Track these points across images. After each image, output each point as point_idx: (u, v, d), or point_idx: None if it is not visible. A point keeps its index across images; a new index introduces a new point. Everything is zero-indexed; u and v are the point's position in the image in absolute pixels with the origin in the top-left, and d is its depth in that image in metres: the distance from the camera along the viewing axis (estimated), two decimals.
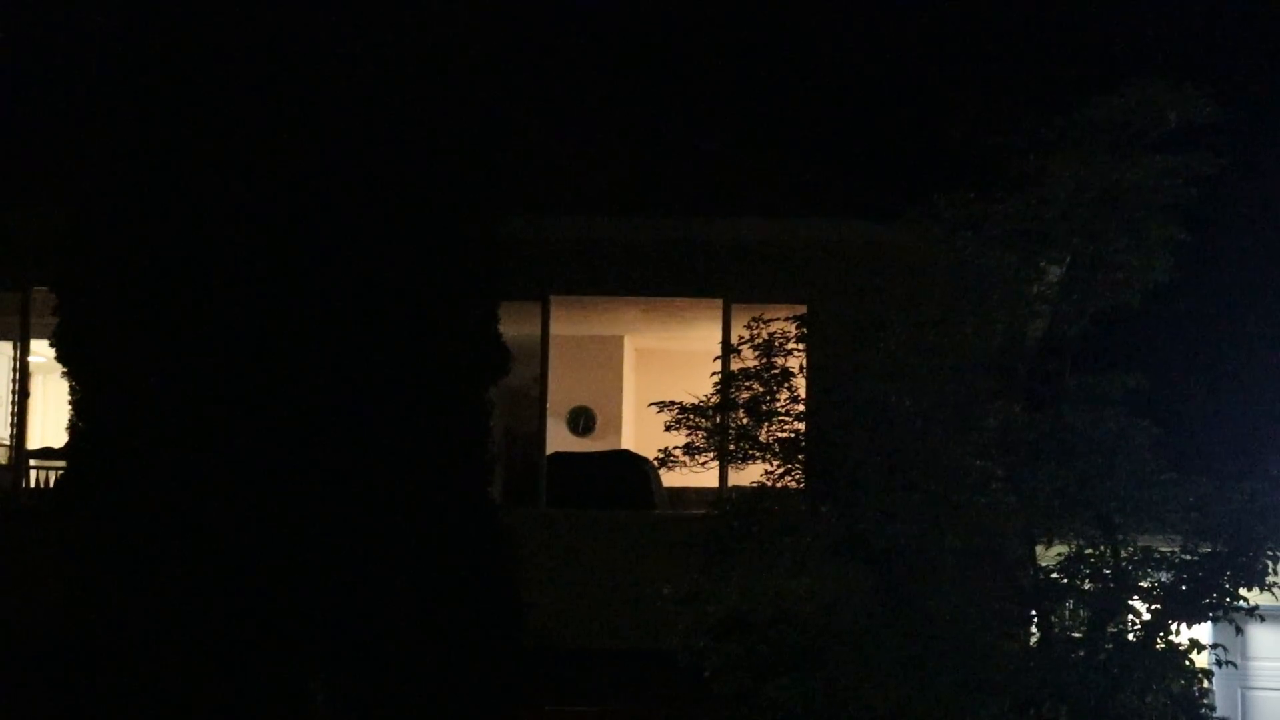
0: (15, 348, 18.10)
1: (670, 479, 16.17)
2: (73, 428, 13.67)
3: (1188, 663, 13.03)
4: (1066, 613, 13.21)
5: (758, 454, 13.67)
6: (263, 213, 13.35)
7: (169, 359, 13.32)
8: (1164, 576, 13.07)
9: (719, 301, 17.86)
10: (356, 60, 13.60)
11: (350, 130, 13.51)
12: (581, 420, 20.63)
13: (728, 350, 14.20)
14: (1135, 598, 13.09)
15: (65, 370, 13.80)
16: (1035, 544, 13.37)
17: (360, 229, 13.43)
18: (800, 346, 13.62)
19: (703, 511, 14.39)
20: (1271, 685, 17.98)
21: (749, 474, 14.02)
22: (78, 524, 13.30)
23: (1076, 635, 13.14)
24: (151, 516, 13.13)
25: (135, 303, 13.45)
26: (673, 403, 13.74)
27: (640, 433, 19.78)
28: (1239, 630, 13.35)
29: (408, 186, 13.56)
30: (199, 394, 13.26)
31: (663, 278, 18.02)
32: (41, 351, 16.63)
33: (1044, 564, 13.37)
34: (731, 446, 13.70)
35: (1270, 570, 12.93)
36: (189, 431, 13.23)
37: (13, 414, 18.21)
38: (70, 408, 13.74)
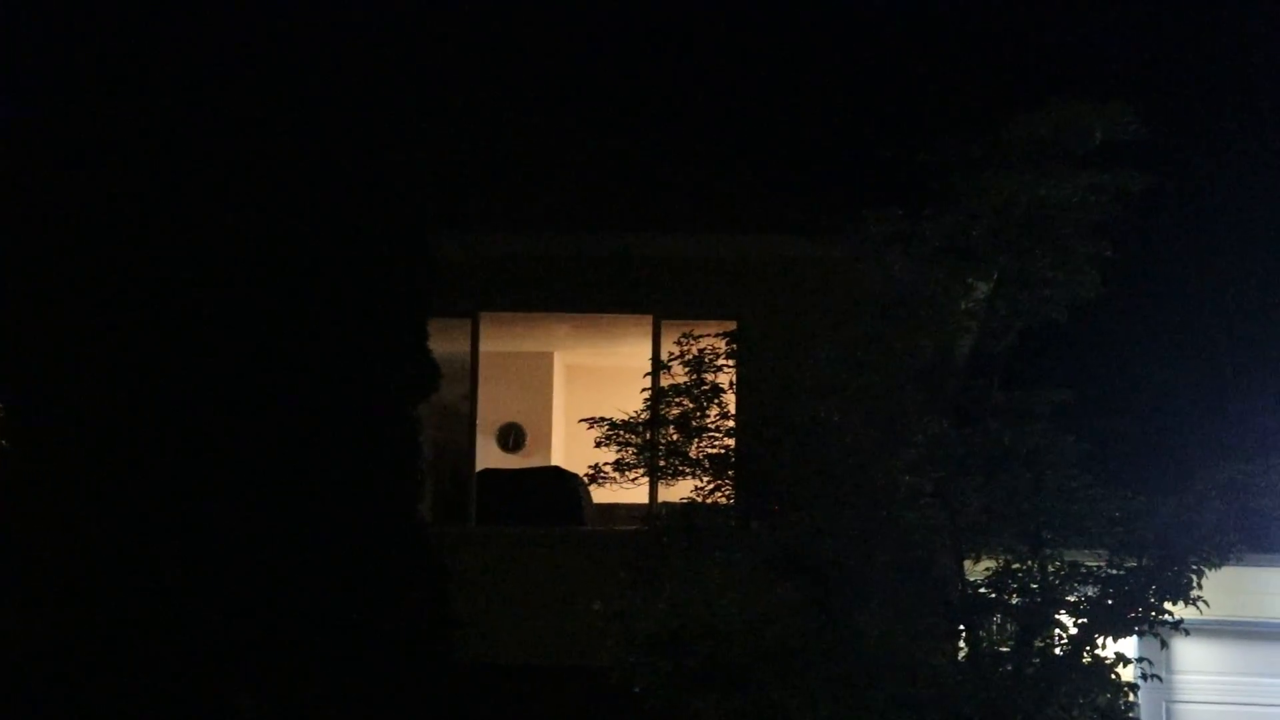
0: None
1: (600, 495, 16.15)
2: None
3: (1114, 676, 13.12)
4: (994, 627, 13.28)
5: (688, 470, 13.68)
6: (185, 226, 13.29)
7: (91, 380, 13.24)
8: (1090, 591, 13.16)
9: (649, 318, 17.88)
10: (284, 76, 13.57)
11: (275, 145, 13.47)
12: (511, 437, 20.61)
13: (658, 366, 14.22)
14: (1062, 612, 13.17)
15: None
16: (964, 559, 13.44)
17: (287, 245, 13.39)
18: (730, 363, 13.65)
19: (633, 528, 14.41)
20: (1196, 699, 18.10)
21: (679, 490, 14.03)
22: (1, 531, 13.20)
23: (1004, 650, 13.21)
24: (74, 535, 13.03)
25: (63, 304, 13.36)
26: (603, 419, 13.74)
27: (570, 449, 19.77)
28: (1164, 644, 13.45)
29: (335, 204, 13.52)
30: (123, 410, 13.17)
31: (592, 294, 18.03)
32: None
33: (972, 579, 13.44)
34: (662, 462, 13.71)
35: (1195, 584, 13.03)
36: (114, 441, 13.14)
37: None
38: None
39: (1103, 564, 13.25)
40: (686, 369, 13.64)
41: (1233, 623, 16.92)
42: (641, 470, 13.77)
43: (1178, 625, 13.10)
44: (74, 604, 12.96)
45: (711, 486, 13.59)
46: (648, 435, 13.63)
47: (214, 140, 13.43)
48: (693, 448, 13.62)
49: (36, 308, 13.37)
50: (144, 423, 13.14)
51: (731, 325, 14.32)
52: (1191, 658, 17.57)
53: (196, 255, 13.32)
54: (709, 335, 13.68)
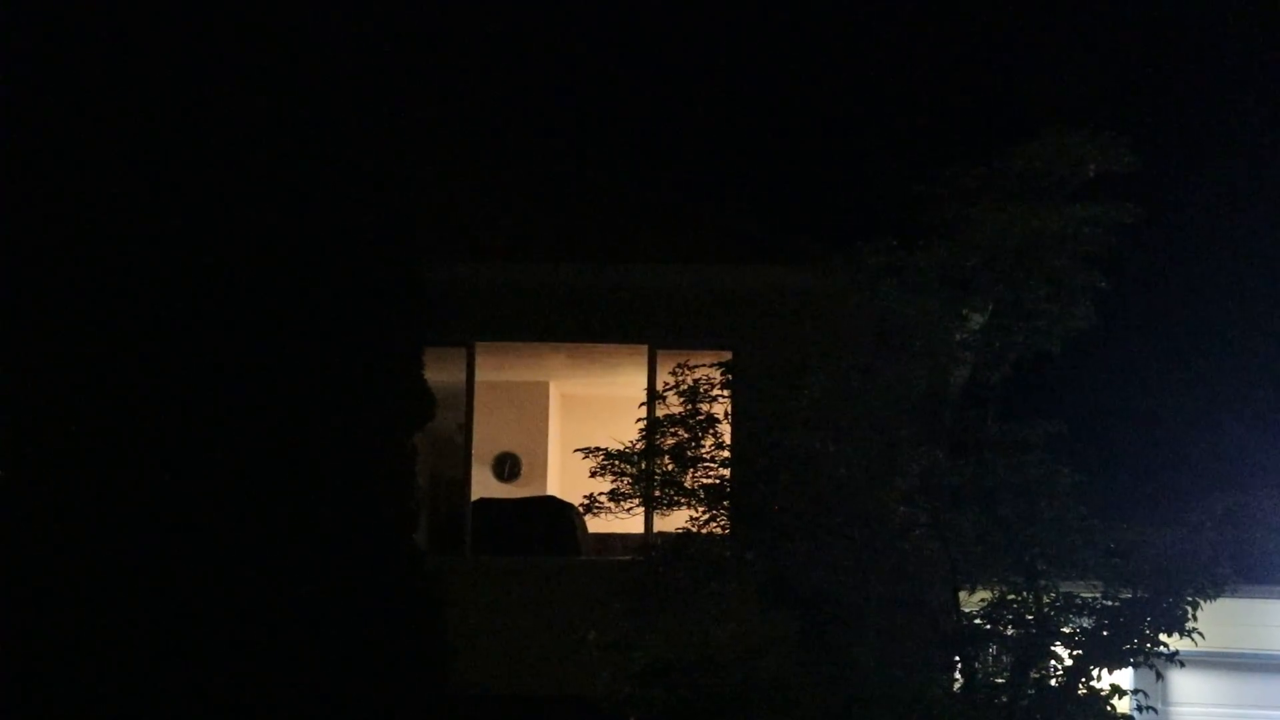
0: None
1: (595, 525, 16.16)
2: None
3: (1109, 708, 13.10)
4: (990, 658, 13.27)
5: (683, 500, 13.68)
6: (181, 252, 13.29)
7: (81, 393, 13.23)
8: (1086, 622, 13.15)
9: (644, 348, 17.90)
10: (278, 106, 13.58)
11: (269, 177, 13.48)
12: (507, 466, 20.60)
13: (653, 396, 14.23)
14: (1057, 643, 13.16)
15: None
16: (959, 590, 13.43)
17: (279, 275, 13.39)
18: (725, 393, 13.66)
19: (628, 558, 14.39)
20: None
21: (674, 520, 14.04)
22: None
23: (999, 681, 13.20)
24: (65, 561, 13.01)
25: (48, 345, 13.35)
26: (598, 449, 13.75)
27: (566, 479, 19.76)
28: (1160, 676, 13.43)
29: (331, 234, 13.53)
30: (111, 435, 13.16)
31: (588, 324, 18.04)
32: None
33: (967, 610, 13.44)
34: (657, 492, 13.71)
35: (1190, 616, 13.03)
36: (102, 474, 13.13)
37: None
38: None
39: (1098, 595, 13.24)
40: (682, 399, 13.66)
41: (1228, 655, 16.93)
42: (637, 500, 13.77)
43: (1173, 657, 13.09)
44: (62, 616, 12.92)
45: (706, 517, 13.60)
46: (643, 465, 13.63)
47: (208, 170, 13.43)
48: (688, 478, 13.62)
49: (34, 315, 13.34)
50: (134, 445, 13.12)
51: (727, 355, 14.35)
52: (1187, 690, 17.55)
53: (192, 282, 13.32)
54: (704, 365, 13.70)
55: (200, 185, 13.42)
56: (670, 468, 13.63)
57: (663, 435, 13.65)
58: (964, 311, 13.63)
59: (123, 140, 13.49)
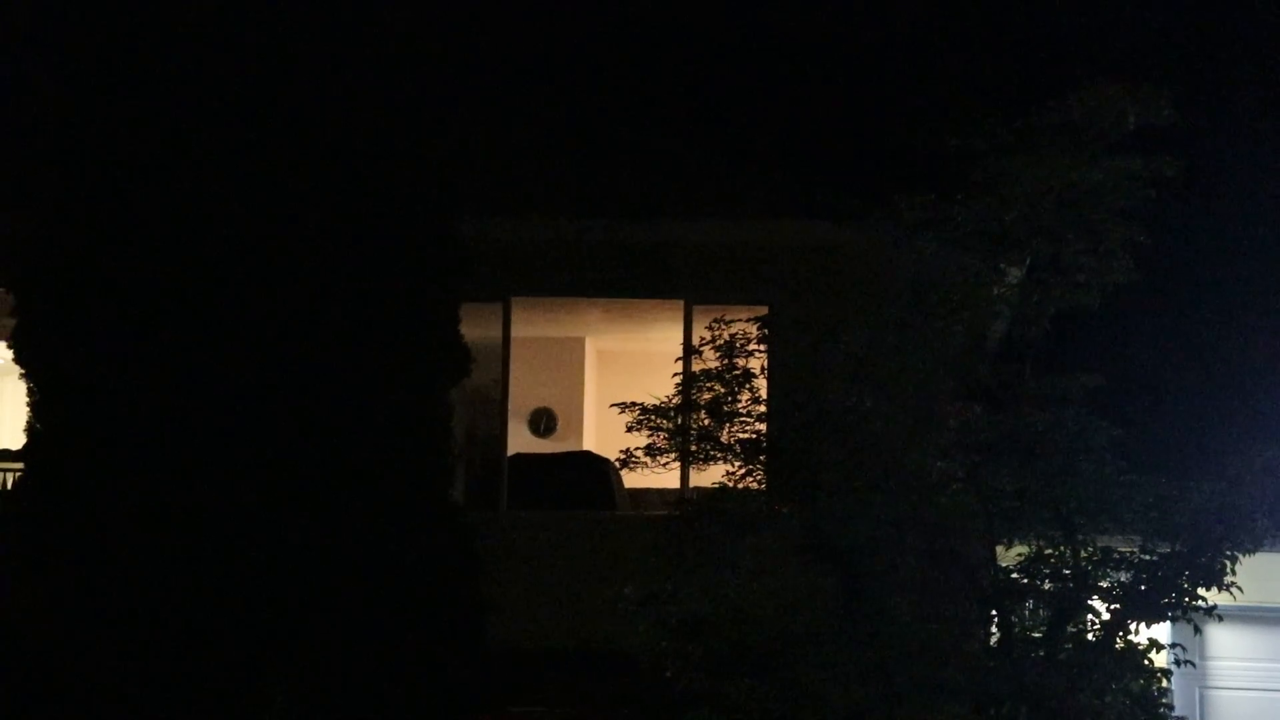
0: None
1: (631, 480, 16.17)
2: (30, 429, 13.61)
3: (1147, 662, 13.09)
4: (1026, 613, 13.26)
5: (719, 455, 13.67)
6: (219, 215, 13.32)
7: (127, 361, 13.28)
8: (1123, 576, 13.13)
9: (680, 303, 17.87)
10: (311, 66, 13.57)
11: (306, 135, 13.48)
12: (543, 421, 20.63)
13: (689, 351, 14.21)
14: (1095, 598, 13.14)
15: (23, 372, 13.74)
16: (996, 544, 13.41)
17: (317, 233, 13.41)
18: (761, 348, 13.63)
19: (664, 512, 14.40)
20: (1229, 684, 18.08)
21: (710, 475, 14.03)
22: (34, 526, 13.25)
23: (1036, 635, 13.19)
24: (109, 518, 13.09)
25: (93, 303, 13.40)
26: (634, 404, 13.74)
27: (601, 434, 19.78)
28: (1197, 630, 13.40)
29: (365, 190, 13.54)
30: (158, 395, 13.22)
31: (624, 279, 18.02)
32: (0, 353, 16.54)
33: (1004, 564, 13.42)
34: (693, 447, 13.71)
35: (1229, 570, 12.99)
36: (148, 433, 13.19)
37: None
38: (28, 409, 13.68)
39: (1136, 549, 13.22)
40: (718, 354, 13.63)
41: (1267, 609, 16.91)
42: (673, 455, 13.77)
43: (1211, 611, 13.06)
44: (110, 589, 13.01)
45: (743, 471, 13.59)
46: (679, 420, 13.62)
47: (239, 135, 13.44)
48: (724, 432, 13.61)
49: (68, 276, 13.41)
50: (174, 402, 13.17)
51: (763, 310, 14.30)
52: (1225, 644, 17.54)
53: (228, 242, 13.35)
54: (740, 320, 13.67)
55: (233, 146, 13.43)
56: (706, 423, 13.62)
57: (699, 390, 13.64)
58: (1002, 266, 13.58)
59: (161, 102, 13.52)
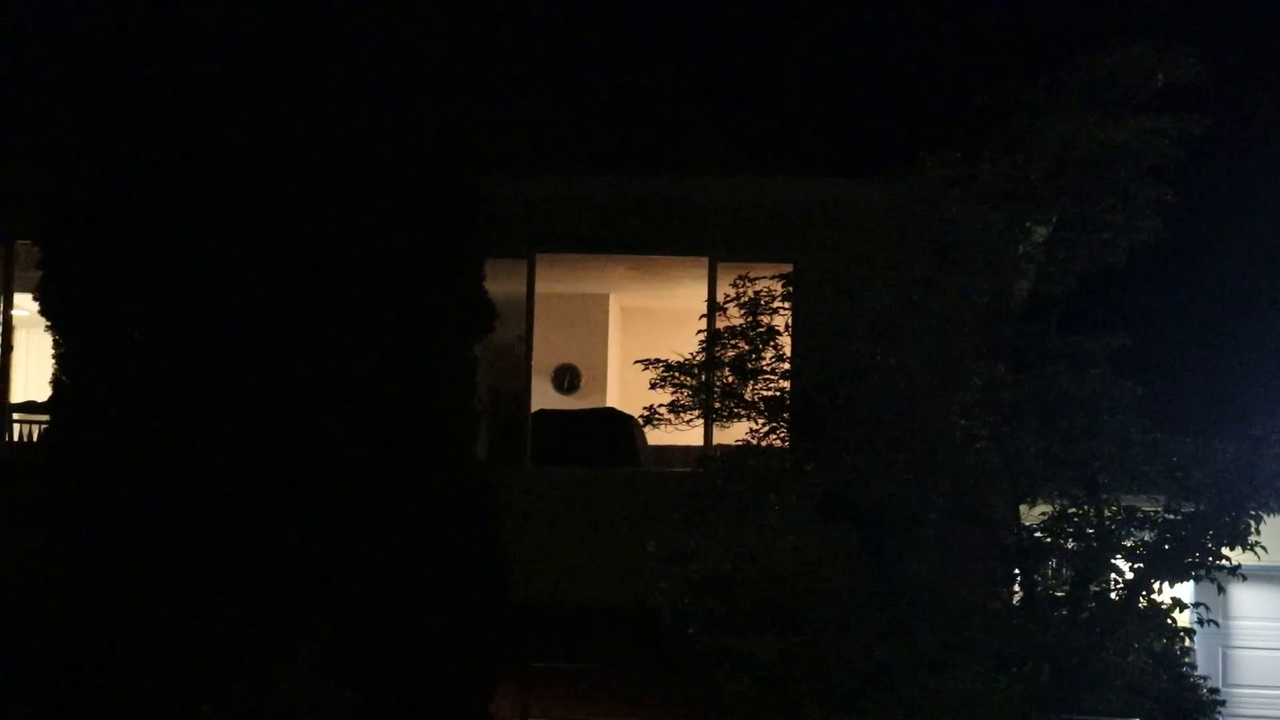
0: None
1: (655, 437, 16.17)
2: (56, 381, 13.67)
3: (1169, 621, 13.09)
4: (1050, 572, 13.26)
5: (743, 412, 13.67)
6: (247, 172, 13.34)
7: (153, 313, 13.32)
8: (1147, 536, 13.12)
9: (705, 260, 17.81)
10: (341, 33, 13.58)
11: (333, 95, 13.49)
12: (567, 378, 20.61)
13: (713, 308, 14.19)
14: (1118, 557, 13.13)
15: (49, 324, 13.78)
16: (1019, 503, 13.40)
17: (344, 190, 13.43)
18: (786, 305, 13.62)
19: (688, 470, 14.39)
20: (1252, 644, 18.06)
21: (734, 432, 14.03)
22: (62, 475, 13.32)
23: (1059, 594, 13.19)
24: (136, 468, 13.14)
25: (119, 257, 13.44)
26: (658, 361, 13.74)
27: (625, 391, 19.77)
28: (1221, 589, 13.40)
29: (392, 148, 13.55)
30: (183, 347, 13.26)
31: (649, 236, 17.97)
32: (25, 305, 16.58)
33: (1028, 523, 13.41)
34: (717, 405, 13.71)
35: (1253, 530, 12.97)
36: (173, 384, 13.23)
37: None
38: (54, 361, 13.73)
39: (1160, 509, 13.20)
40: (742, 311, 13.62)
41: None
42: (697, 412, 13.77)
43: (1235, 570, 13.05)
44: (139, 537, 13.08)
45: (766, 429, 13.59)
46: (703, 377, 13.62)
47: (267, 93, 13.46)
48: (748, 390, 13.60)
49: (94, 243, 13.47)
50: (206, 363, 13.22)
51: (787, 268, 14.27)
52: (1248, 603, 17.52)
53: (253, 201, 13.37)
54: (765, 278, 13.64)
55: (261, 103, 13.45)
56: (730, 380, 13.61)
57: (723, 347, 13.63)
58: (1028, 224, 13.54)
59: (201, 86, 13.56)
